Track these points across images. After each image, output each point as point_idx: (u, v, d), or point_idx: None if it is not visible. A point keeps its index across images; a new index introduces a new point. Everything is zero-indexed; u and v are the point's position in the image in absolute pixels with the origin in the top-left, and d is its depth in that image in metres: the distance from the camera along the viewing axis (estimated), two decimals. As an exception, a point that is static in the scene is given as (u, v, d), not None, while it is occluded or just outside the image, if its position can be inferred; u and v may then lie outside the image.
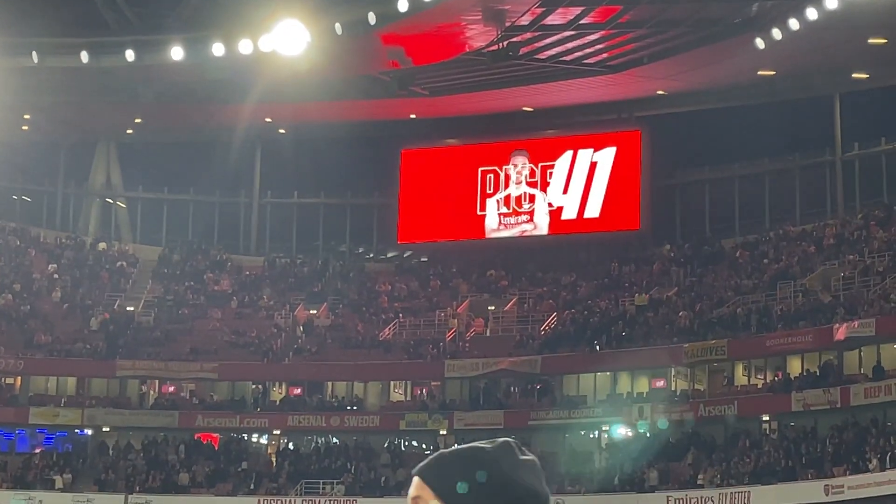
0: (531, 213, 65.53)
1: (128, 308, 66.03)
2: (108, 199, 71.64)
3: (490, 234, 66.14)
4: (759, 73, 57.91)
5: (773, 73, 57.83)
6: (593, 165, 64.42)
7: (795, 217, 62.10)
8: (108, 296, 66.57)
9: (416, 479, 6.17)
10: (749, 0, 51.41)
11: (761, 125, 61.48)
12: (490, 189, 66.30)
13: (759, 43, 52.51)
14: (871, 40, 52.84)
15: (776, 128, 61.49)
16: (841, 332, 50.23)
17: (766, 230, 61.97)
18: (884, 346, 50.17)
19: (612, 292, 61.72)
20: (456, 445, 6.34)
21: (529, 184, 65.47)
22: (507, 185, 66.02)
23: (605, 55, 57.84)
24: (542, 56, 57.69)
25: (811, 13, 48.96)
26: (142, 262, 69.51)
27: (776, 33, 51.38)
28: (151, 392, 62.59)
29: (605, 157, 64.28)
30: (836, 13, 48.05)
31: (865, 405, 48.72)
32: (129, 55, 52.99)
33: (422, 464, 6.19)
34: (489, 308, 63.94)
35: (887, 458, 44.56)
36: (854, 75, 58.23)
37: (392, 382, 61.93)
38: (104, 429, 60.57)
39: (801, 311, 53.15)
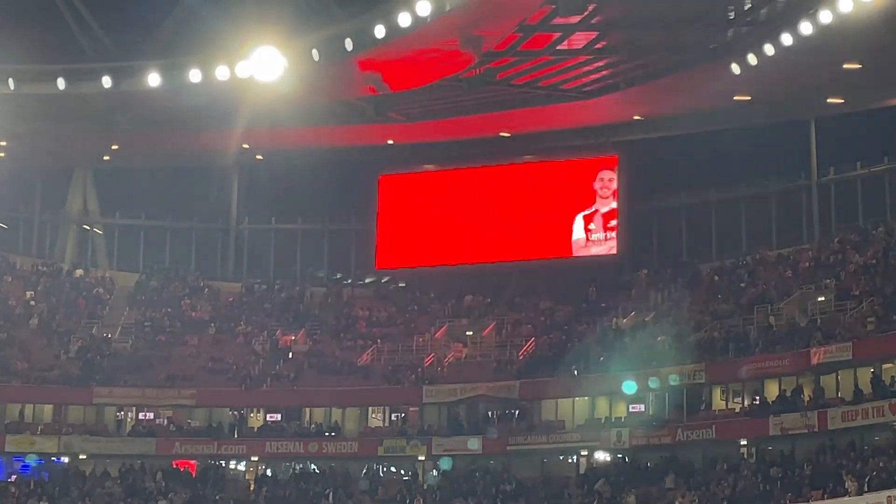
0: (512, 238, 65.58)
1: (105, 335, 65.81)
2: (84, 226, 71.45)
3: (468, 259, 66.10)
4: (735, 98, 58.16)
5: (749, 98, 58.09)
6: (574, 188, 64.56)
7: (772, 241, 62.32)
8: (84, 322, 66.34)
9: None
10: (724, 26, 51.66)
11: (737, 150, 61.71)
12: (467, 214, 66.34)
13: (735, 68, 52.78)
14: (845, 65, 53.12)
15: (752, 153, 61.71)
16: (818, 357, 50.38)
17: (742, 255, 62.15)
18: (861, 369, 50.30)
19: (590, 317, 61.79)
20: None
21: (505, 209, 65.52)
22: (485, 211, 66.10)
23: (581, 80, 58.04)
24: (518, 81, 57.87)
25: (786, 39, 49.22)
26: (119, 288, 69.33)
27: (752, 59, 51.64)
28: (128, 419, 62.34)
29: (583, 183, 64.44)
30: (810, 39, 48.33)
31: (843, 429, 48.82)
32: (106, 82, 52.96)
33: None
34: (467, 333, 63.95)
35: (865, 481, 44.62)
36: (829, 100, 58.51)
37: (370, 408, 61.83)
38: (81, 456, 60.27)
39: (778, 336, 53.28)
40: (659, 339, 57.02)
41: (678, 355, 54.88)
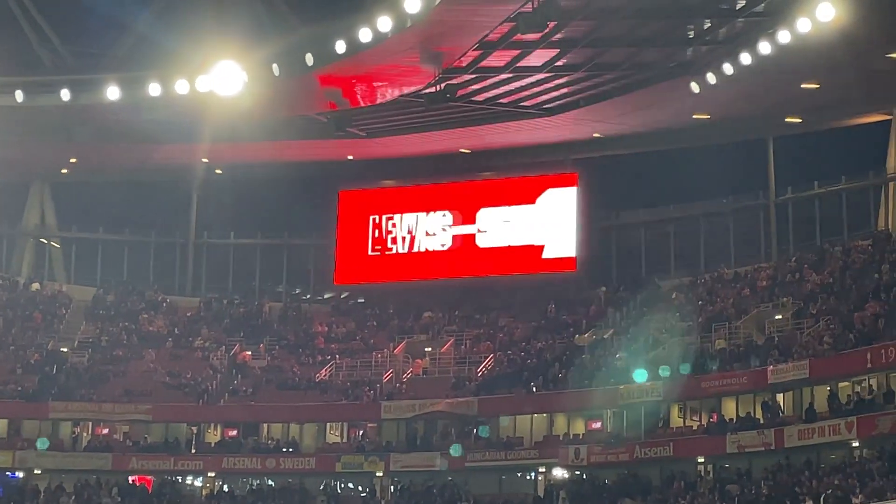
0: (468, 254, 65.63)
1: (61, 349, 65.39)
2: (41, 239, 71.01)
3: (427, 275, 66.09)
4: (694, 116, 58.48)
5: (708, 116, 58.41)
6: (534, 205, 64.69)
7: (730, 260, 62.62)
8: (41, 336, 65.92)
9: None
10: (684, 45, 51.91)
11: (696, 168, 62.03)
12: (429, 231, 66.36)
13: (694, 87, 53.05)
14: (803, 85, 53.52)
15: (711, 171, 62.04)
16: (774, 375, 50.62)
17: (700, 273, 62.40)
18: (817, 388, 50.55)
19: (549, 334, 61.88)
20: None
21: (465, 226, 65.57)
22: (445, 227, 66.14)
23: (542, 98, 58.19)
24: (479, 98, 57.97)
25: (745, 58, 49.54)
26: (76, 302, 68.95)
27: (711, 78, 51.94)
28: (84, 434, 61.92)
29: (543, 199, 64.57)
30: (769, 58, 48.65)
31: (799, 447, 49.05)
32: (65, 94, 52.73)
33: None
34: (426, 349, 63.91)
35: (820, 499, 44.83)
36: (787, 119, 58.94)
37: (328, 424, 61.66)
38: (36, 471, 59.82)
39: (735, 353, 53.49)
40: (617, 356, 57.20)
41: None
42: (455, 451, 56.77)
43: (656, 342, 56.53)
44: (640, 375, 54.10)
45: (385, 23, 46.02)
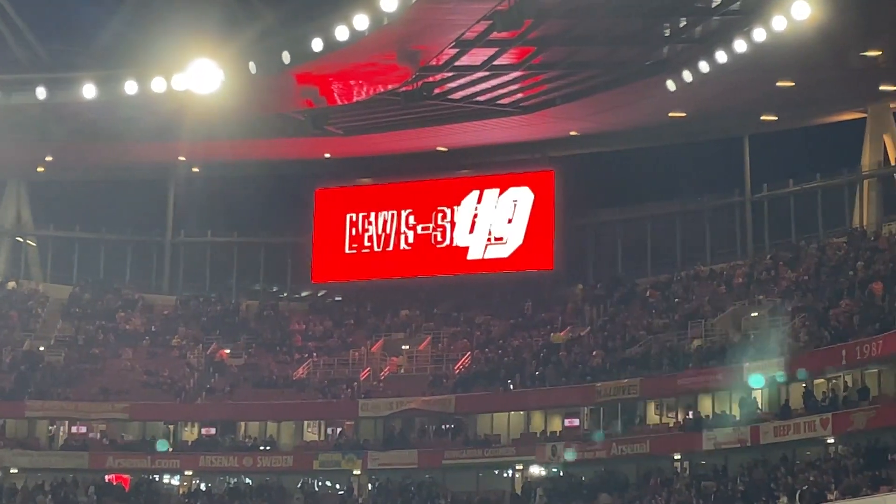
0: (446, 252, 65.68)
1: (38, 347, 65.21)
2: (17, 238, 70.75)
3: (404, 274, 66.13)
4: (670, 114, 58.61)
5: (684, 114, 58.55)
6: (508, 205, 64.76)
7: (706, 257, 62.80)
8: (17, 335, 65.71)
9: None
10: (660, 43, 52.04)
11: (672, 166, 62.21)
12: (404, 228, 66.39)
13: (671, 85, 53.15)
14: (779, 83, 53.71)
15: (687, 169, 62.23)
16: (749, 371, 50.78)
17: (677, 270, 62.57)
18: (793, 385, 50.75)
19: (526, 332, 61.98)
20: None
21: (442, 224, 65.61)
22: (423, 225, 66.16)
23: (518, 96, 58.27)
24: (456, 96, 58.01)
25: (721, 56, 49.66)
26: (52, 301, 68.74)
27: (687, 76, 52.04)
28: (61, 433, 61.79)
29: (519, 197, 64.64)
30: (745, 56, 48.79)
31: (775, 443, 49.26)
32: (41, 93, 52.54)
33: None
34: (403, 347, 63.95)
35: (796, 496, 45.03)
36: (763, 117, 59.14)
37: (306, 422, 61.65)
38: (12, 470, 59.66)
39: (712, 351, 53.67)
40: (594, 353, 57.26)
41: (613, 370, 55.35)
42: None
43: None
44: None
45: (362, 21, 46.01)
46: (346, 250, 67.26)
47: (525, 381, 58.04)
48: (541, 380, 57.62)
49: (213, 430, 61.48)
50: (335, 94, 55.54)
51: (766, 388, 51.50)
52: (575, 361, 57.54)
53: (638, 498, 51.29)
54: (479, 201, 65.44)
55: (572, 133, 62.56)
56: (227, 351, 65.29)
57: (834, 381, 49.66)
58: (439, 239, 65.82)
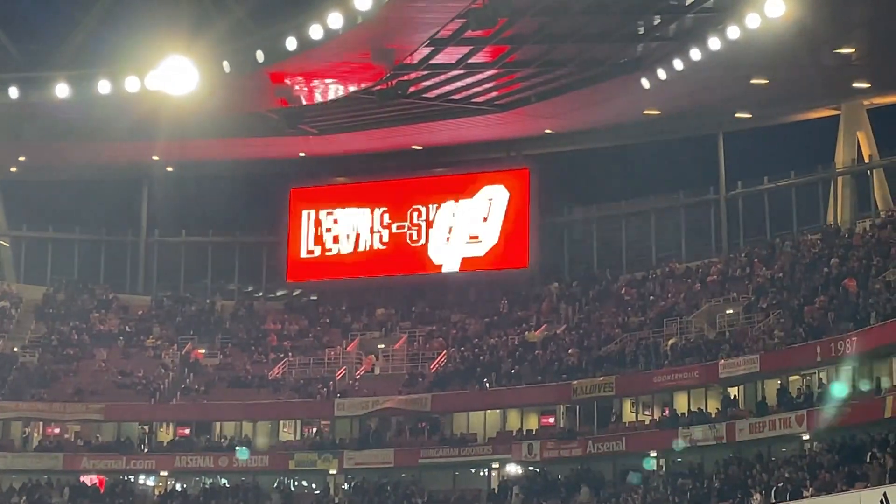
0: (421, 251, 65.63)
1: (11, 348, 64.92)
2: (-9, 239, 70.50)
3: (380, 272, 66.05)
4: (645, 112, 58.71)
5: (659, 112, 58.65)
6: (483, 203, 64.76)
7: (681, 254, 62.92)
8: (-10, 336, 65.48)
9: None
10: (634, 41, 52.09)
11: (647, 164, 62.31)
12: (378, 227, 66.32)
13: (645, 83, 53.27)
14: (753, 80, 53.83)
15: (662, 166, 62.34)
16: (725, 369, 50.89)
17: (652, 267, 62.68)
18: (768, 381, 50.91)
19: (502, 330, 61.99)
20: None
21: (417, 223, 65.55)
22: (398, 224, 66.09)
23: (493, 94, 58.26)
24: (430, 95, 57.96)
25: (695, 54, 49.77)
26: (25, 301, 68.44)
27: (661, 73, 52.17)
28: (35, 434, 61.52)
29: (494, 196, 64.65)
30: (719, 54, 48.92)
31: (750, 440, 49.37)
32: (13, 92, 52.29)
33: None
34: (379, 346, 63.89)
35: (772, 492, 45.13)
36: (737, 115, 59.29)
37: (281, 422, 61.52)
38: (-14, 472, 59.44)
39: (687, 348, 53.77)
40: (569, 351, 57.38)
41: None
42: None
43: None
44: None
45: (336, 20, 45.94)
46: (322, 249, 67.13)
47: (501, 379, 58.04)
48: (517, 378, 57.64)
49: (188, 431, 61.31)
50: (310, 93, 55.42)
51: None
52: (551, 360, 57.57)
53: (614, 496, 51.31)
54: (453, 200, 65.40)
55: (547, 131, 62.61)
56: (202, 351, 65.12)
57: (809, 377, 49.78)
58: (414, 238, 65.77)
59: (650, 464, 52.61)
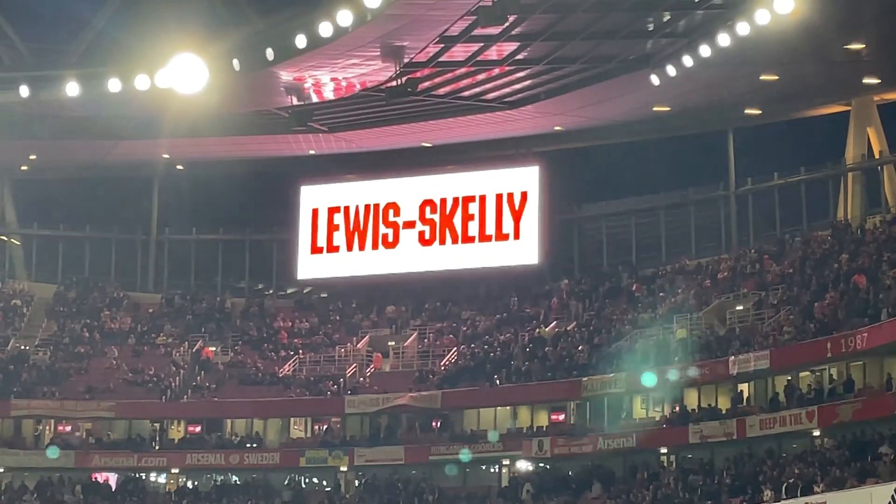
0: (430, 248, 65.61)
1: (22, 347, 65.08)
2: (2, 237, 70.58)
3: (390, 270, 66.02)
4: (655, 108, 58.68)
5: (668, 108, 58.63)
6: (493, 200, 64.74)
7: (691, 251, 62.87)
8: (2, 334, 65.56)
9: None
10: (644, 37, 52.07)
11: (657, 160, 62.30)
12: (391, 225, 66.32)
13: (654, 79, 53.24)
14: (762, 77, 53.79)
15: (671, 163, 62.33)
16: (736, 365, 50.90)
17: (662, 264, 62.65)
18: (778, 378, 50.89)
19: (512, 327, 62.01)
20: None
21: (427, 220, 65.56)
22: (408, 222, 66.10)
23: (502, 91, 58.25)
24: (440, 92, 57.96)
25: (704, 50, 49.72)
26: (37, 299, 68.58)
27: (670, 70, 52.13)
28: (47, 432, 61.69)
29: (504, 193, 64.61)
30: (728, 50, 48.87)
31: (761, 437, 49.38)
32: (24, 91, 52.33)
33: None
34: (389, 344, 63.92)
35: (782, 488, 45.15)
36: (747, 111, 59.23)
37: (292, 419, 61.63)
38: (-2, 469, 59.69)
39: (697, 344, 53.73)
40: (579, 348, 57.40)
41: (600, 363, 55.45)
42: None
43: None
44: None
45: (345, 17, 45.93)
46: (331, 247, 67.15)
47: (511, 376, 58.06)
48: (527, 375, 57.66)
49: (199, 428, 61.45)
50: (319, 91, 55.45)
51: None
52: (561, 356, 57.58)
53: (625, 492, 51.33)
54: (463, 197, 65.39)
55: (557, 128, 62.61)
56: (213, 348, 65.22)
57: (819, 373, 49.78)
58: (425, 235, 65.75)
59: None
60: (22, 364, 63.40)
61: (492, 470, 57.44)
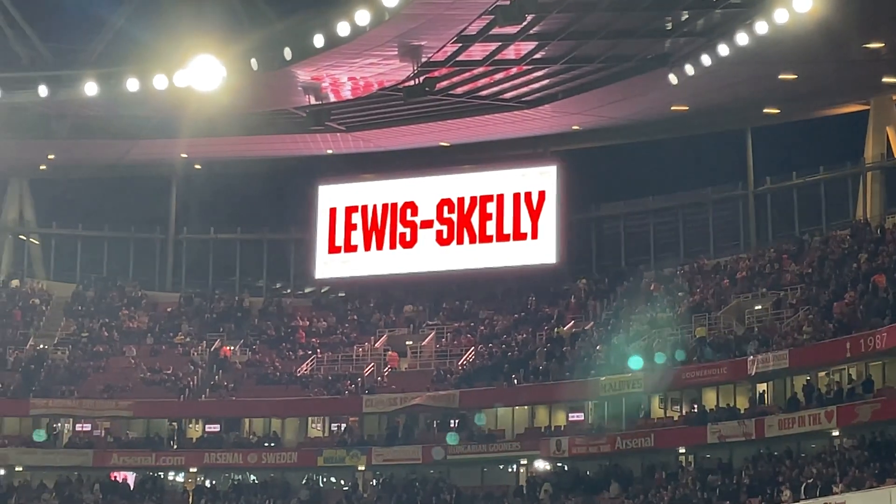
0: (448, 247, 65.58)
1: (41, 346, 65.24)
2: (20, 236, 70.80)
3: (408, 269, 66.00)
4: (673, 108, 58.58)
5: (687, 108, 58.52)
6: (510, 200, 64.68)
7: (709, 250, 62.73)
8: (21, 333, 65.76)
9: None
10: (662, 36, 51.98)
11: (675, 159, 62.17)
12: (408, 224, 66.32)
13: (673, 78, 53.12)
14: (781, 76, 53.67)
15: (690, 162, 62.21)
16: (755, 365, 50.79)
17: (680, 263, 62.53)
18: (797, 377, 50.76)
19: (530, 326, 61.95)
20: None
21: (445, 219, 65.54)
22: (425, 221, 66.08)
23: (520, 90, 58.21)
24: (458, 91, 57.95)
25: (723, 49, 49.61)
26: (55, 298, 68.76)
27: (689, 69, 52.01)
28: (65, 430, 61.83)
29: (522, 192, 64.54)
30: (747, 49, 48.75)
31: (780, 437, 49.26)
32: (42, 90, 52.49)
33: None
34: (407, 343, 63.92)
35: (801, 488, 45.03)
36: (765, 110, 59.08)
37: (310, 418, 61.68)
38: (17, 468, 59.73)
39: (715, 344, 53.63)
40: (597, 347, 57.33)
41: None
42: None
43: (643, 332, 56.60)
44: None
45: (363, 16, 45.96)
46: (349, 246, 67.17)
47: (529, 375, 58.01)
48: (545, 374, 57.61)
49: (217, 427, 61.53)
50: (337, 90, 55.49)
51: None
52: (579, 356, 57.50)
53: (643, 492, 51.26)
54: (481, 196, 65.35)
55: (575, 127, 62.53)
56: (231, 348, 65.30)
57: (838, 373, 49.64)
58: (443, 235, 65.73)
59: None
60: (41, 363, 63.56)
61: (509, 469, 57.41)
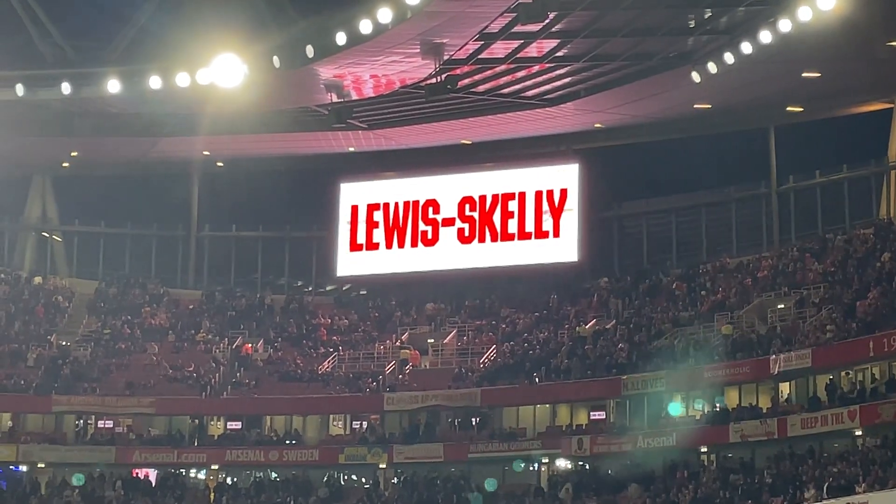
0: (470, 246, 65.54)
1: (64, 343, 65.42)
2: (43, 233, 71.03)
3: (429, 267, 65.99)
4: (696, 106, 58.44)
5: (709, 106, 58.37)
6: (532, 198, 64.59)
7: (732, 249, 62.56)
8: (43, 330, 65.97)
9: None
10: (685, 34, 51.86)
11: (698, 158, 61.99)
12: (430, 222, 66.28)
13: (695, 76, 53.00)
14: (805, 74, 53.48)
15: (712, 160, 62.05)
16: (777, 364, 50.63)
17: (703, 262, 62.36)
18: (819, 377, 50.57)
19: (551, 325, 61.87)
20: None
21: (467, 217, 65.50)
22: (447, 219, 66.04)
23: (542, 88, 58.14)
24: (480, 89, 57.94)
25: (746, 47, 49.49)
26: (78, 296, 68.97)
27: (712, 67, 51.89)
28: (88, 427, 62.01)
29: (544, 190, 64.45)
30: (770, 47, 48.61)
31: (802, 436, 49.10)
32: (66, 88, 52.67)
33: None
34: (429, 341, 63.90)
35: (823, 487, 44.87)
36: (789, 108, 58.87)
37: (331, 416, 61.70)
38: (39, 465, 59.92)
39: (738, 343, 53.48)
40: (619, 346, 57.22)
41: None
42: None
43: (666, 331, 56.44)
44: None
45: (385, 14, 46.02)
46: (371, 244, 67.19)
47: (551, 374, 57.94)
48: (566, 373, 57.53)
49: (238, 425, 61.60)
50: (359, 88, 55.50)
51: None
52: (601, 354, 57.42)
53: (664, 491, 51.14)
54: (503, 194, 65.28)
55: (597, 125, 62.42)
56: (252, 345, 65.37)
57: (861, 373, 49.45)
58: (465, 233, 65.68)
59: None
60: (63, 360, 63.74)
61: (531, 468, 57.32)
